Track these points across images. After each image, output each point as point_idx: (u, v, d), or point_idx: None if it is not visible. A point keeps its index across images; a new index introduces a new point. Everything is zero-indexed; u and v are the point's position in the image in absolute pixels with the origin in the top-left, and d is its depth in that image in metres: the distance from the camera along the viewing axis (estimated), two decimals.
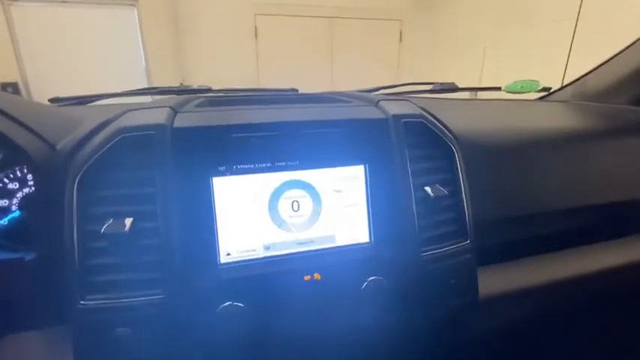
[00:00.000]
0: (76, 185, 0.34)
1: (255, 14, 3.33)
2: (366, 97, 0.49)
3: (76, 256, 0.33)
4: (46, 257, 0.35)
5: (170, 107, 0.38)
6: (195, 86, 0.78)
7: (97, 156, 0.34)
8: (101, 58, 3.20)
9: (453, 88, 0.98)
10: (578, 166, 0.56)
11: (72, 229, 0.33)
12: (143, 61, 3.34)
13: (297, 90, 0.90)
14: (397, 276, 0.40)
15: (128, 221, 0.34)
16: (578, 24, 1.95)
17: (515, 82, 0.92)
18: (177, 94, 0.72)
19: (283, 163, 0.38)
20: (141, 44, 3.31)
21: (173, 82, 3.46)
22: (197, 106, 0.43)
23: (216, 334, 0.35)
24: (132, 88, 0.71)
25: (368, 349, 0.42)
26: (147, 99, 0.66)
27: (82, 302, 0.33)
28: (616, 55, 0.74)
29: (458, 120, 0.50)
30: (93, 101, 0.65)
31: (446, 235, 0.42)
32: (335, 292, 0.38)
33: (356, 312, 0.39)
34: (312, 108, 0.44)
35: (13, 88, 3.28)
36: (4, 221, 0.38)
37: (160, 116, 0.36)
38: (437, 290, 0.42)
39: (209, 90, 0.80)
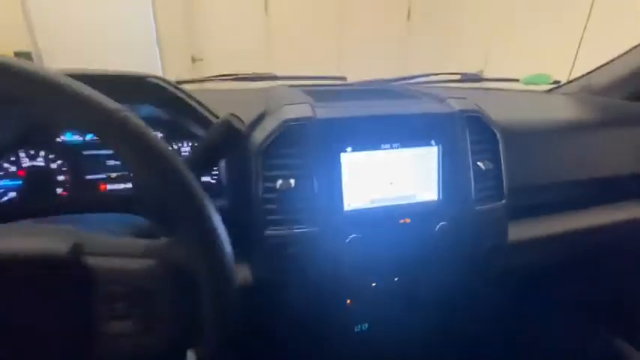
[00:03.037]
0: (258, 157, 0.50)
1: None
2: (433, 94, 0.65)
3: (261, 203, 0.50)
4: (234, 204, 0.52)
5: (309, 104, 0.55)
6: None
7: (272, 137, 0.51)
8: (112, 29, 3.21)
9: (477, 79, 1.14)
10: (584, 148, 0.74)
11: (258, 186, 0.50)
12: (154, 32, 3.36)
13: (345, 78, 1.05)
14: (457, 222, 0.58)
15: (292, 181, 0.51)
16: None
17: (531, 75, 1.08)
18: (254, 80, 0.88)
19: (387, 145, 0.55)
20: (152, 16, 3.32)
21: (183, 56, 3.52)
22: (324, 100, 0.59)
23: (345, 256, 0.54)
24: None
25: (433, 271, 0.61)
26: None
27: (265, 232, 0.51)
28: (619, 57, 0.91)
29: (494, 109, 0.67)
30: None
31: (490, 196, 0.61)
32: (418, 231, 0.57)
33: (430, 245, 0.58)
34: (402, 103, 0.60)
35: (27, 57, 3.30)
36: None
37: (307, 110, 0.53)
38: (482, 233, 0.61)
39: (275, 77, 0.95)
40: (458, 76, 1.08)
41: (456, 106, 0.59)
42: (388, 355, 0.73)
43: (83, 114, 0.24)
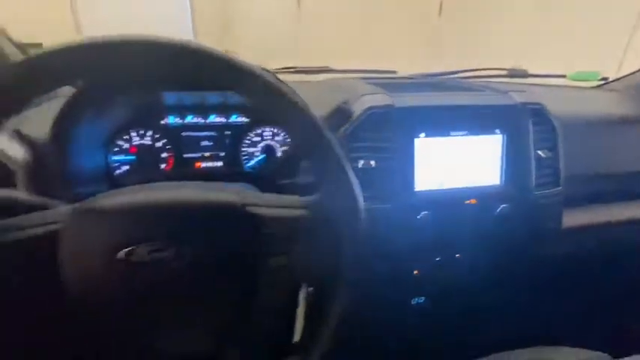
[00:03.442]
0: (343, 140, 0.57)
1: None
2: (493, 87, 0.70)
3: None
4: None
5: (386, 94, 0.61)
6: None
7: (356, 122, 0.57)
8: (151, 25, 3.35)
9: (524, 75, 1.17)
10: (636, 142, 0.78)
11: None
12: (191, 27, 3.49)
13: (395, 72, 1.10)
14: (517, 205, 0.63)
15: (372, 162, 0.57)
16: None
17: (578, 72, 1.10)
18: (308, 73, 0.94)
19: (457, 132, 0.61)
20: (189, 12, 3.44)
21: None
22: (395, 91, 0.65)
23: (415, 231, 0.60)
24: None
25: (492, 249, 0.67)
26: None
27: None
28: None
29: (547, 102, 0.71)
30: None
31: (548, 182, 0.66)
32: (481, 212, 0.62)
33: (491, 224, 0.63)
34: (469, 95, 0.66)
35: None
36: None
37: (387, 99, 0.59)
38: (539, 216, 0.66)
39: (329, 70, 1.02)
40: (503, 72, 1.12)
41: (518, 98, 0.64)
42: (440, 328, 0.80)
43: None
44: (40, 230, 0.30)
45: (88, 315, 0.31)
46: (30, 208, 0.41)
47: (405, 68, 1.10)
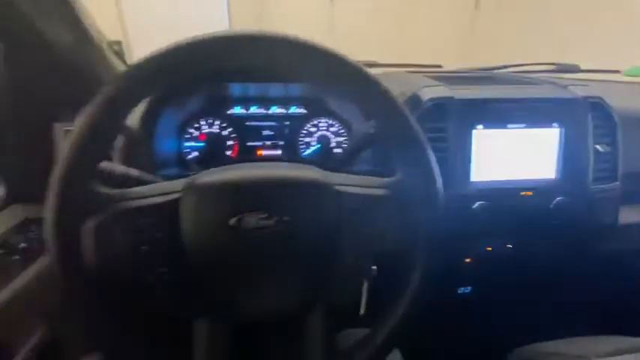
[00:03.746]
0: None
1: None
2: (553, 81, 0.70)
3: None
4: None
5: (444, 86, 0.63)
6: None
7: (417, 113, 0.60)
8: (189, 22, 3.47)
9: (575, 70, 1.15)
10: None
11: None
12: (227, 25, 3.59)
13: (441, 66, 1.11)
14: (573, 198, 0.64)
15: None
16: None
17: (633, 67, 1.07)
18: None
19: (514, 125, 0.62)
20: (227, 13, 3.53)
21: None
22: (453, 83, 0.66)
23: (470, 220, 0.62)
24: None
25: (545, 242, 0.68)
26: None
27: None
28: None
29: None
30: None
31: (605, 177, 0.65)
32: (536, 204, 0.63)
33: (546, 217, 0.64)
34: (526, 88, 0.67)
35: (119, 46, 3.69)
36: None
37: (446, 91, 0.61)
38: (595, 211, 0.66)
39: (376, 64, 1.04)
40: (552, 66, 1.10)
41: (578, 92, 0.64)
42: (483, 319, 0.81)
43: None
44: (159, 199, 0.35)
45: (201, 271, 0.36)
46: (139, 182, 0.47)
47: (443, 62, 1.10)
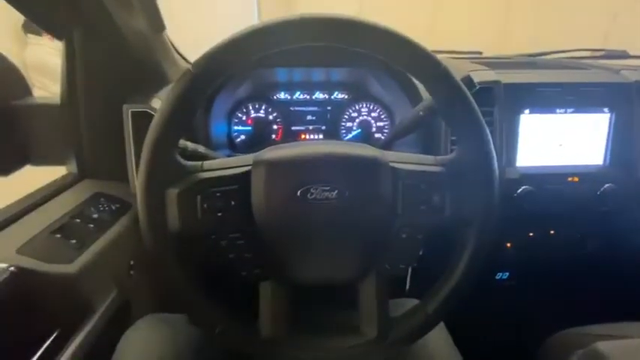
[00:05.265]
0: None
1: None
2: (601, 66, 0.69)
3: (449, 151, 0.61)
4: None
5: (492, 70, 0.63)
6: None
7: None
8: (220, 19, 3.53)
9: (624, 56, 1.10)
10: None
11: (447, 137, 0.61)
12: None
13: (481, 52, 1.09)
14: (622, 185, 0.63)
15: None
16: None
17: None
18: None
19: (562, 110, 0.62)
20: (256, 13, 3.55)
21: None
22: (503, 69, 0.66)
23: (514, 205, 0.62)
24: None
25: (590, 229, 0.67)
26: None
27: None
28: None
29: None
30: None
31: None
32: (584, 190, 0.63)
33: (593, 204, 0.64)
34: (576, 72, 0.66)
35: None
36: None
37: (493, 75, 0.61)
38: None
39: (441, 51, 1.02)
40: (599, 52, 1.06)
41: (631, 77, 0.63)
42: (521, 305, 0.81)
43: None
44: (235, 171, 0.39)
45: (268, 237, 0.39)
46: (205, 158, 0.51)
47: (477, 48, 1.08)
